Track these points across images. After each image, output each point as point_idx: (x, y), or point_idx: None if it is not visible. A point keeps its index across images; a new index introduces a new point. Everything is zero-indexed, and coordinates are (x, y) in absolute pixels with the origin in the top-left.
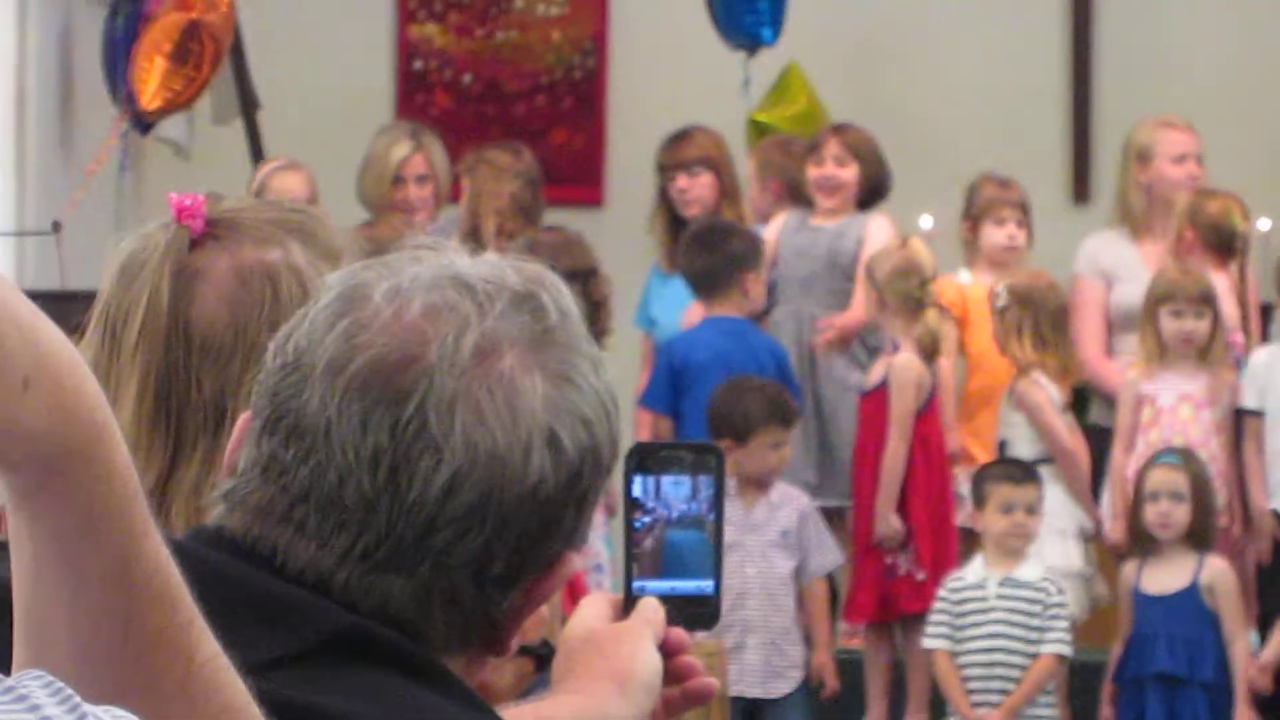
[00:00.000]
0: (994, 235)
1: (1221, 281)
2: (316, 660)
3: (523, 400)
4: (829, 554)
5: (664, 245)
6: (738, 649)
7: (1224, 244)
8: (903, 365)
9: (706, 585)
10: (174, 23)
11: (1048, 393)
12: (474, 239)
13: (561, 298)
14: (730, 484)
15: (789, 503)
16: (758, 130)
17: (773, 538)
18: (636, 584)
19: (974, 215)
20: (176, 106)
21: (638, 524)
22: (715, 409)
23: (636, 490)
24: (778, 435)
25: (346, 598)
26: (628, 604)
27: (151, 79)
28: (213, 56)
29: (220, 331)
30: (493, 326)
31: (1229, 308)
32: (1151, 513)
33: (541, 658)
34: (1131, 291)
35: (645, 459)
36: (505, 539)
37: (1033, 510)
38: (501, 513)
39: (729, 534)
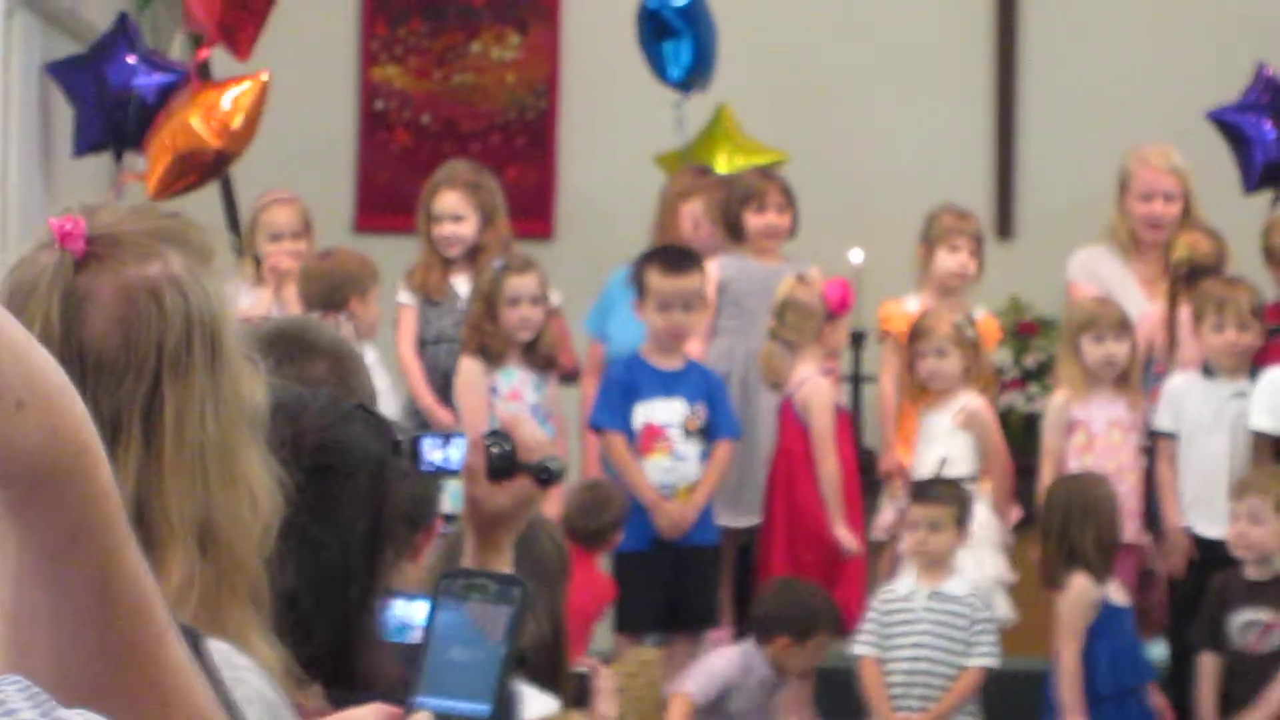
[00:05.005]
0: (947, 261)
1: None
2: None
3: None
4: None
5: None
6: None
7: (1191, 277)
8: (821, 388)
9: (483, 709)
10: (197, 141)
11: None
12: (474, 258)
13: None
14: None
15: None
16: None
17: None
18: (418, 698)
19: (929, 241)
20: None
21: (430, 641)
22: (777, 609)
23: (437, 609)
24: (829, 639)
25: None
26: (406, 715)
27: (157, 171)
28: (215, 168)
29: (113, 352)
30: None
31: (1161, 338)
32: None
33: (543, 478)
34: (1126, 306)
35: (451, 582)
36: None
37: (937, 527)
38: None
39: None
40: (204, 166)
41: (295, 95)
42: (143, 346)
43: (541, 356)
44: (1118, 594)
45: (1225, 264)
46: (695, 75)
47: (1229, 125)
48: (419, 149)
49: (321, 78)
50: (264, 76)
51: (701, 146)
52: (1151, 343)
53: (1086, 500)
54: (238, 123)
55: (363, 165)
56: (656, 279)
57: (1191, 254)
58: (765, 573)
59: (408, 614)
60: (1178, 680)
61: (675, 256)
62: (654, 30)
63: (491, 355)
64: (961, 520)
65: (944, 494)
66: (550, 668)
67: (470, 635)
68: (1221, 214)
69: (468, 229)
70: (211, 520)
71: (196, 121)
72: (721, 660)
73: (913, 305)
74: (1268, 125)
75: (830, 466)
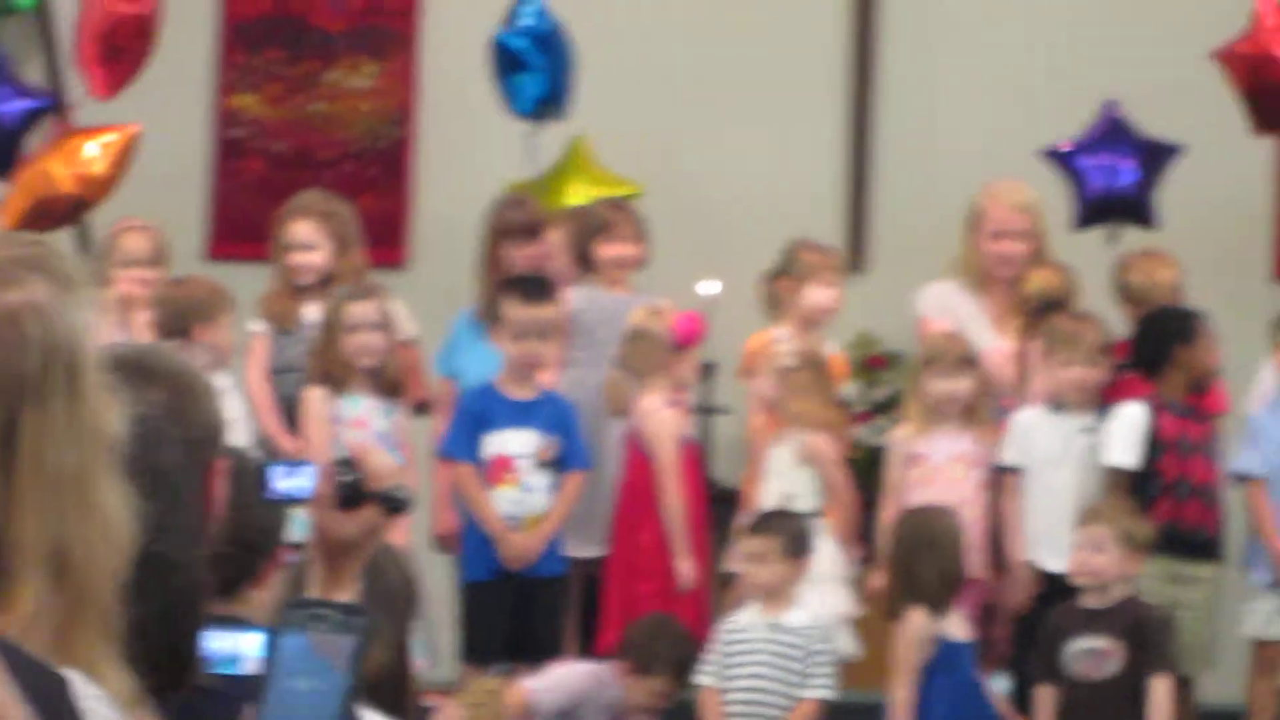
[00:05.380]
0: (818, 296)
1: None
2: None
3: None
4: None
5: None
6: None
7: (1041, 312)
8: (665, 419)
9: None
10: (55, 188)
11: (837, 448)
12: (327, 287)
13: None
14: None
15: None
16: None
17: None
18: None
19: (796, 276)
20: None
21: (273, 670)
22: (631, 636)
23: (281, 639)
24: (667, 686)
25: None
26: None
27: (14, 211)
28: (72, 214)
29: None
30: None
31: (1010, 373)
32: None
33: (391, 506)
34: (976, 340)
35: (296, 612)
36: None
37: (763, 559)
38: None
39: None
40: (60, 213)
41: (150, 121)
42: (1, 373)
43: (387, 384)
44: (957, 629)
45: (1075, 299)
46: (546, 107)
47: (1063, 161)
48: (273, 177)
49: (176, 104)
50: (134, 128)
51: (556, 177)
52: (1000, 378)
53: (931, 534)
54: (99, 169)
55: (217, 192)
56: (513, 308)
57: (1043, 289)
58: (605, 604)
59: (237, 645)
60: (1021, 714)
61: (532, 286)
62: (505, 63)
63: (335, 382)
64: (792, 552)
65: (770, 527)
66: (394, 696)
67: (313, 665)
68: (1073, 248)
69: (319, 258)
70: (66, 549)
71: (58, 168)
72: (575, 674)
73: (779, 337)
74: (1104, 162)
75: (674, 498)
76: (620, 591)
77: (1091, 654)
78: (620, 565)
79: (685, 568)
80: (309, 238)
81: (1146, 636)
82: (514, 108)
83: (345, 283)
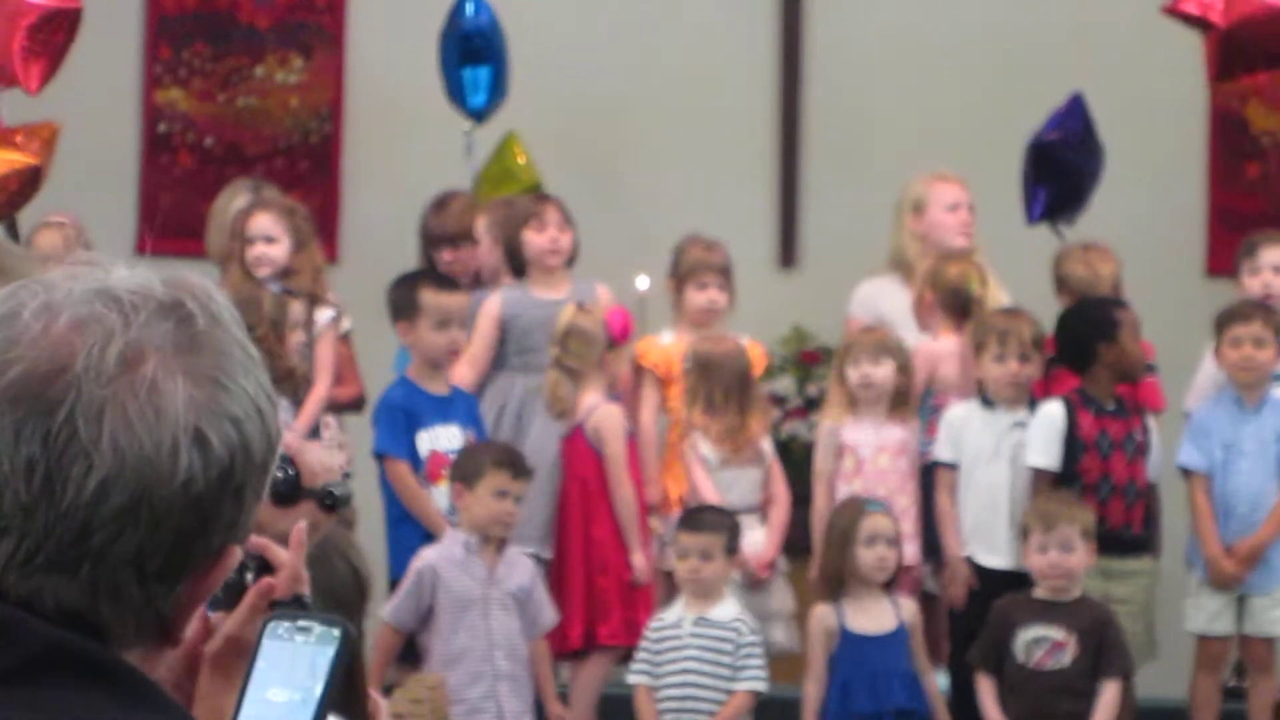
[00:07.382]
0: (696, 299)
1: (952, 343)
2: (21, 679)
3: (166, 403)
4: (550, 613)
5: None
6: (492, 695)
7: (961, 307)
8: (613, 414)
9: None
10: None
11: (701, 453)
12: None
13: (211, 304)
14: (472, 541)
15: (520, 564)
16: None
17: (505, 595)
18: None
19: (679, 276)
20: None
21: (250, 681)
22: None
23: (260, 650)
24: (504, 483)
25: (20, 600)
26: None
27: None
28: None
29: None
30: (137, 335)
31: (951, 368)
32: (870, 557)
33: (328, 503)
34: (905, 338)
35: (276, 624)
36: (161, 536)
37: (709, 555)
38: (154, 512)
39: (475, 589)
40: None
41: (78, 116)
42: None
43: (302, 383)
44: (861, 622)
45: (974, 283)
46: (492, 102)
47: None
48: (202, 172)
49: (104, 99)
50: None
51: (496, 174)
52: (931, 372)
53: (834, 527)
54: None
55: (145, 187)
56: (433, 296)
57: (934, 280)
58: (562, 599)
59: None
60: (960, 709)
61: (441, 276)
62: (460, 55)
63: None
64: (730, 548)
65: (712, 522)
66: (344, 694)
67: (289, 676)
68: (1007, 243)
69: (279, 251)
70: None
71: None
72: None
73: (667, 339)
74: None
75: (626, 492)
76: (578, 588)
77: (1044, 643)
78: (578, 561)
79: (639, 561)
80: (270, 230)
81: (1105, 637)
82: (466, 103)
83: (303, 279)
